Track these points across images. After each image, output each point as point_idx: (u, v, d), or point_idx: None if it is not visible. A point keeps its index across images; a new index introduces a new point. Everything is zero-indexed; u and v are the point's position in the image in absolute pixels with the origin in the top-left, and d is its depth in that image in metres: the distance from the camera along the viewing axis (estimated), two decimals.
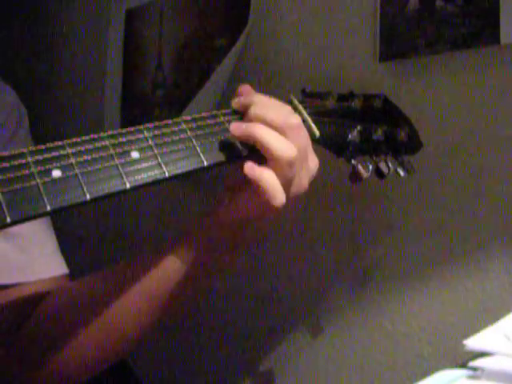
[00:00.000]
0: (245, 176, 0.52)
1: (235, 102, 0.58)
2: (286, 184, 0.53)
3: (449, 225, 0.81)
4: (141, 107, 1.33)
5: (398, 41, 0.84)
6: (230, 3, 1.12)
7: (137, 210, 1.36)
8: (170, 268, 0.58)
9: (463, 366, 0.49)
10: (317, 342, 0.97)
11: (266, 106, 0.55)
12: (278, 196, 0.52)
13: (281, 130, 0.53)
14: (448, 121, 0.81)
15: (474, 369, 0.47)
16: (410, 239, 0.85)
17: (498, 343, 0.49)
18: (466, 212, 0.79)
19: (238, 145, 0.55)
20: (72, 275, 0.71)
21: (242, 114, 0.57)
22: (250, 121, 0.54)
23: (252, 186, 0.52)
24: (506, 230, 0.75)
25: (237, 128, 0.53)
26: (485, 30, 0.74)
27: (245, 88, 0.59)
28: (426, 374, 0.47)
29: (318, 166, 0.58)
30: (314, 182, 0.58)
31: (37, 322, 0.64)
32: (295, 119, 0.55)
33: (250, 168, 0.52)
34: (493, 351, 0.48)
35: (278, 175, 0.52)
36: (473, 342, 0.49)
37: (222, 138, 0.54)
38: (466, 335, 0.50)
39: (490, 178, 0.77)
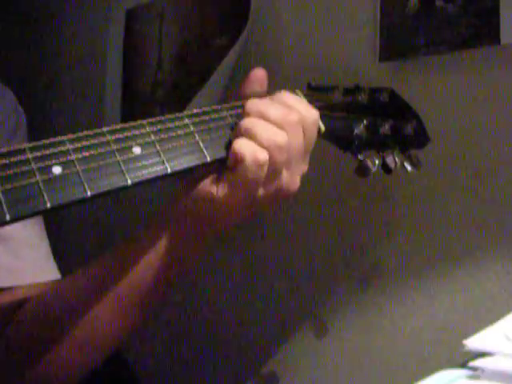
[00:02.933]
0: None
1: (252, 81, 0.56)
2: (272, 176, 0.52)
3: (449, 225, 0.81)
4: (141, 107, 1.33)
5: (397, 41, 0.84)
6: (230, 3, 1.12)
7: (135, 214, 1.35)
8: (149, 257, 0.56)
9: (463, 366, 0.48)
10: (317, 343, 0.97)
11: (265, 101, 0.54)
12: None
13: (280, 125, 0.52)
14: (448, 121, 0.80)
15: (474, 369, 0.47)
16: (410, 239, 0.85)
17: (498, 343, 0.49)
18: (465, 212, 0.79)
19: None
20: None
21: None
22: (248, 114, 0.53)
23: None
24: (505, 230, 0.75)
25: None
26: (485, 30, 0.74)
27: (259, 73, 0.57)
28: (426, 374, 0.47)
29: (305, 170, 0.57)
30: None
31: (20, 324, 0.63)
32: (294, 115, 0.53)
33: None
34: (493, 351, 0.48)
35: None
36: (473, 342, 0.49)
37: (225, 132, 0.53)
38: (466, 335, 0.50)
39: (491, 177, 0.77)
